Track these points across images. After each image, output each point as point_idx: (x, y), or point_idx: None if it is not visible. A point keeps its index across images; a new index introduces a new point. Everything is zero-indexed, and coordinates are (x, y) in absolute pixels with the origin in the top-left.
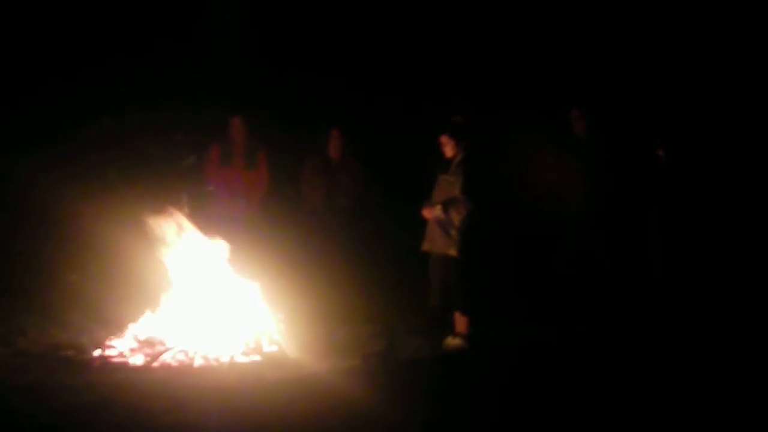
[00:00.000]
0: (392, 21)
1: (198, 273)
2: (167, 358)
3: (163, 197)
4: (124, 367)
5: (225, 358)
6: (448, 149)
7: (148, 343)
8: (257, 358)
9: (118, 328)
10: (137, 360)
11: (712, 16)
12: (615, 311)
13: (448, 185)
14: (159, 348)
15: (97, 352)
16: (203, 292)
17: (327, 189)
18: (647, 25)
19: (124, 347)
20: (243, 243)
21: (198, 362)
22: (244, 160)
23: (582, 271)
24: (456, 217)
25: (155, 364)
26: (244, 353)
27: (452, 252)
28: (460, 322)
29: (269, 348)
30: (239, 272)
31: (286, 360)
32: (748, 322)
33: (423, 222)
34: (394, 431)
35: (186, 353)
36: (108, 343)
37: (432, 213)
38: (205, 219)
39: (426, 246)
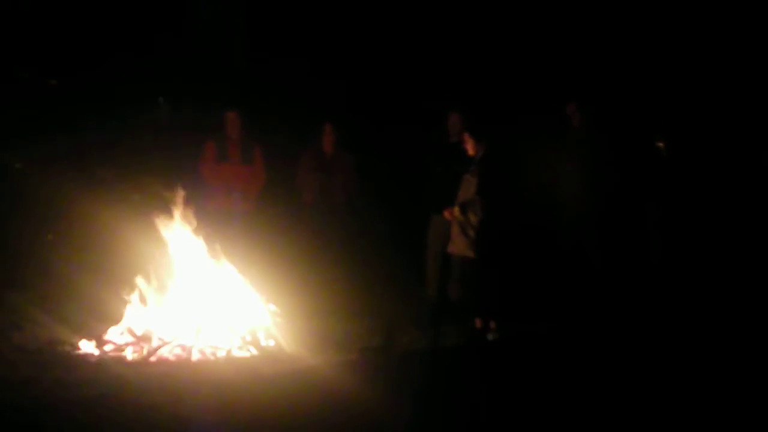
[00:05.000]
0: (388, 16)
1: (195, 267)
2: (164, 352)
3: (159, 190)
4: (121, 361)
5: (222, 353)
6: (470, 147)
7: (145, 337)
8: (254, 352)
9: (115, 323)
10: (134, 355)
11: (711, 8)
12: (611, 306)
13: (468, 185)
14: (156, 342)
15: (94, 347)
16: (200, 286)
17: (322, 183)
18: (646, 18)
19: (121, 342)
20: (239, 238)
21: (195, 356)
22: (241, 156)
23: (578, 266)
24: (473, 218)
25: (152, 359)
26: (241, 347)
27: (470, 253)
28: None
29: (266, 342)
30: (236, 266)
31: (283, 354)
32: (748, 318)
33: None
34: (390, 424)
35: (183, 348)
36: (105, 337)
37: (452, 214)
38: (202, 214)
39: (450, 248)
